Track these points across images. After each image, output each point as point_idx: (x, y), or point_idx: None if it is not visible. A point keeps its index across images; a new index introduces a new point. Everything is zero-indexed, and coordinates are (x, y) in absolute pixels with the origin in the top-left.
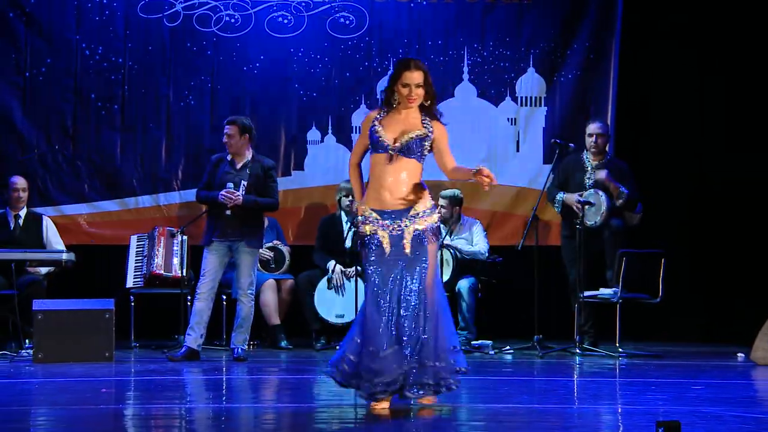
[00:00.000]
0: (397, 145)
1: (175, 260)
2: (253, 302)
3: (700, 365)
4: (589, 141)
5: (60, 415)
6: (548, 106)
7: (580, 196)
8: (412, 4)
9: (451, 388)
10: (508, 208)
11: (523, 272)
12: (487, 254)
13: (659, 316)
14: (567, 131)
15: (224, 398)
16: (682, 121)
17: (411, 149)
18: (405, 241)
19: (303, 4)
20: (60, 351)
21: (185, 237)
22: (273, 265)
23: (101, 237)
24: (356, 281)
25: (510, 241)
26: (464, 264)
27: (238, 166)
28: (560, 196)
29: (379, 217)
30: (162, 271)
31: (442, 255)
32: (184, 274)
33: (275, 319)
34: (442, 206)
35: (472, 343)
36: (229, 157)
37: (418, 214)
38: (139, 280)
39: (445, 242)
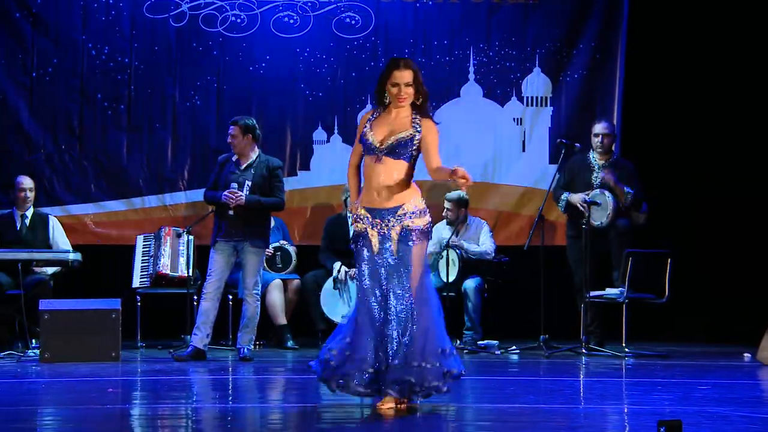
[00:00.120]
0: (383, 147)
1: (182, 260)
2: (259, 302)
3: (706, 365)
4: (595, 141)
5: (67, 414)
6: (554, 106)
7: (587, 195)
8: (417, 5)
9: (441, 391)
10: (514, 208)
11: (529, 272)
12: (493, 254)
13: (665, 316)
14: (573, 131)
15: (230, 398)
16: (687, 120)
17: (397, 150)
18: (392, 240)
19: (309, 4)
20: (66, 351)
21: (191, 237)
22: (279, 265)
23: (107, 237)
24: None
25: (516, 241)
26: (470, 264)
27: (243, 166)
28: (565, 196)
29: (369, 216)
30: (168, 271)
31: (448, 255)
32: (190, 274)
33: (281, 319)
34: (447, 209)
35: (479, 343)
36: (234, 158)
37: (405, 213)
38: (145, 280)
39: (451, 242)
